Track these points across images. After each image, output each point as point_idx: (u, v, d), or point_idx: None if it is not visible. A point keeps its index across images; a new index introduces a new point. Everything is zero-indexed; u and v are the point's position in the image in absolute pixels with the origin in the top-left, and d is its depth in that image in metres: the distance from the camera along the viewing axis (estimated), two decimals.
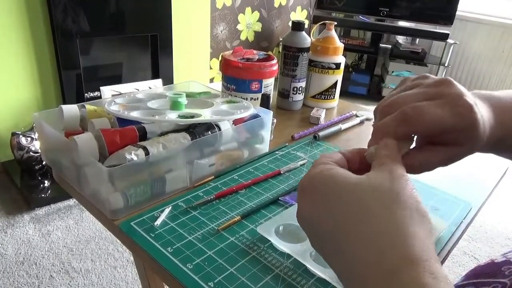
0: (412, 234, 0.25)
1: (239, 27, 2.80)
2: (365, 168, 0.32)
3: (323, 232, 0.29)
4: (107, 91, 1.78)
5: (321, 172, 0.30)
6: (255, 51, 0.89)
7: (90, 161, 0.53)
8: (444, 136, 0.33)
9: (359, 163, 0.34)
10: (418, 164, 0.34)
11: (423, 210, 0.28)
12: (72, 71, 1.75)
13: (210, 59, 2.66)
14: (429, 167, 0.35)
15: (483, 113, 0.34)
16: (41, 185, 1.69)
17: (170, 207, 0.56)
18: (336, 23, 1.01)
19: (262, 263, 0.47)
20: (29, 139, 1.66)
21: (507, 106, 0.37)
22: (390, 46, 3.10)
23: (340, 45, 0.95)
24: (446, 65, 2.83)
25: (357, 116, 0.93)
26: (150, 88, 1.87)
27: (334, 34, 0.96)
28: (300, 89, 0.95)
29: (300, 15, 3.23)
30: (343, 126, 0.86)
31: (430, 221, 0.27)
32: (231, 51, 0.87)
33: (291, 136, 0.81)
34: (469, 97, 0.32)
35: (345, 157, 0.34)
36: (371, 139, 0.34)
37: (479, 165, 0.74)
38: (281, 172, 0.67)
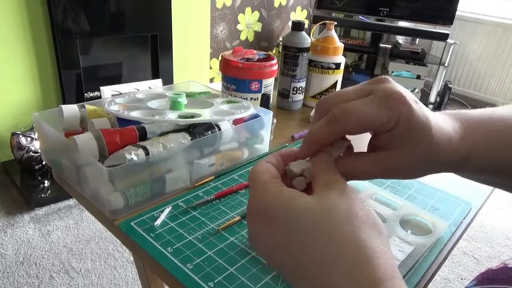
0: (375, 255, 0.25)
1: (239, 27, 2.80)
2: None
3: (283, 261, 0.28)
4: (107, 91, 1.78)
5: (272, 195, 0.29)
6: (255, 51, 0.89)
7: (90, 161, 0.53)
8: (382, 137, 0.32)
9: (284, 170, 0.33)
10: (344, 171, 0.32)
11: (379, 225, 0.28)
12: (72, 71, 1.75)
13: (210, 59, 2.66)
14: (361, 175, 0.33)
15: (439, 123, 0.32)
16: (41, 185, 1.69)
17: (170, 207, 0.56)
18: (336, 23, 1.01)
19: (262, 263, 0.47)
20: (29, 139, 1.66)
21: (476, 122, 0.34)
22: (390, 46, 3.10)
23: (340, 45, 0.95)
24: (446, 65, 2.83)
25: None
26: (150, 88, 1.87)
27: (334, 34, 0.95)
28: (300, 89, 0.95)
29: (300, 15, 3.23)
30: None
31: (385, 233, 0.28)
32: (231, 51, 0.87)
33: (291, 136, 0.81)
34: (404, 91, 0.31)
35: (275, 167, 0.32)
36: (303, 146, 0.33)
37: None
38: None
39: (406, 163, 0.32)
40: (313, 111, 0.93)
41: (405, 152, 0.31)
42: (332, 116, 0.31)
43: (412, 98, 0.31)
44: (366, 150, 0.35)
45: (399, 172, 0.33)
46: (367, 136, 0.34)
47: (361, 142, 0.37)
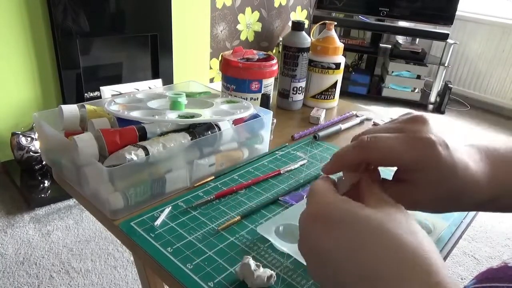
0: (435, 262, 0.26)
1: (239, 27, 2.80)
2: None
3: (339, 265, 0.28)
4: (107, 91, 1.78)
5: (338, 201, 0.30)
6: (255, 51, 0.89)
7: (90, 161, 0.53)
8: (407, 173, 0.33)
9: None
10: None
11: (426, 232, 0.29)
12: (72, 71, 1.75)
13: (210, 59, 2.66)
14: None
15: (466, 164, 0.33)
16: (41, 185, 1.69)
17: (170, 207, 0.56)
18: (336, 23, 1.01)
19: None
20: (29, 139, 1.66)
21: (502, 159, 0.35)
22: (390, 46, 3.10)
23: (340, 45, 0.95)
24: (446, 65, 2.83)
25: (357, 116, 0.93)
26: (150, 88, 1.87)
27: (334, 34, 0.95)
28: (300, 89, 0.95)
29: (300, 15, 3.23)
30: (343, 126, 0.86)
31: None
32: (231, 51, 0.87)
33: (291, 136, 0.81)
34: (436, 137, 0.32)
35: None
36: (329, 162, 0.35)
37: None
38: (281, 172, 0.67)
39: (428, 201, 0.34)
40: (313, 111, 0.93)
41: (429, 192, 0.33)
42: (362, 140, 0.33)
43: (443, 144, 0.32)
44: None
45: (421, 207, 0.35)
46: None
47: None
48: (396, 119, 0.36)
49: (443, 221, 0.56)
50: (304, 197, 0.59)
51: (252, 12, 2.83)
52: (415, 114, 0.35)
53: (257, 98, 0.85)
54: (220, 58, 0.90)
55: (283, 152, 0.74)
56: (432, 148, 0.31)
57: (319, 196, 0.31)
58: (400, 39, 3.14)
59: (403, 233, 0.27)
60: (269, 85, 0.86)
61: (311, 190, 0.33)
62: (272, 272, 0.44)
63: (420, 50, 2.91)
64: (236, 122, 0.66)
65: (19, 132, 1.65)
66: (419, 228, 0.28)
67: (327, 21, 0.97)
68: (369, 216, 0.28)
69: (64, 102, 1.78)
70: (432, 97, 2.94)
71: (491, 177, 0.34)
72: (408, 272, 0.26)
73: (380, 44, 3.11)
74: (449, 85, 2.83)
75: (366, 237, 0.27)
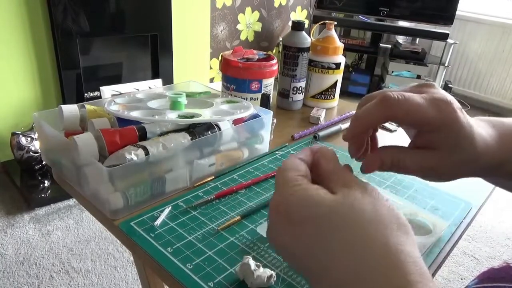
0: (406, 259, 0.25)
1: (239, 27, 2.80)
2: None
3: (303, 261, 0.27)
4: (107, 91, 1.78)
5: (297, 195, 0.28)
6: (255, 51, 0.89)
7: (90, 161, 0.53)
8: (425, 137, 0.33)
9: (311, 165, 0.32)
10: (388, 161, 0.33)
11: (404, 224, 0.27)
12: (72, 71, 1.75)
13: (210, 59, 2.66)
14: (402, 169, 0.34)
15: (479, 130, 0.34)
16: (41, 185, 1.69)
17: (170, 207, 0.56)
18: (336, 23, 1.01)
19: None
20: (29, 139, 1.66)
21: (509, 129, 0.36)
22: (390, 46, 3.10)
23: (340, 45, 0.95)
24: (446, 65, 2.83)
25: None
26: (150, 88, 1.87)
27: (334, 34, 0.95)
28: (300, 89, 0.95)
29: (300, 15, 3.23)
30: (343, 126, 0.86)
31: (411, 230, 0.27)
32: (231, 51, 0.87)
33: (291, 136, 0.81)
34: (451, 98, 0.33)
35: (305, 163, 0.32)
36: (350, 126, 0.34)
37: None
38: None
39: (448, 164, 0.34)
40: (313, 111, 0.93)
41: (449, 155, 0.33)
42: (389, 98, 0.31)
43: (458, 106, 0.33)
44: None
45: (439, 172, 0.34)
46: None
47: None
48: (403, 88, 0.36)
49: (443, 221, 0.56)
50: None
51: (252, 12, 2.83)
52: (422, 82, 0.35)
53: (257, 98, 0.85)
54: (220, 58, 0.90)
55: (283, 152, 0.74)
56: (450, 108, 0.32)
57: (282, 186, 0.29)
58: (400, 39, 3.14)
59: (365, 227, 0.26)
60: (269, 85, 0.86)
61: (276, 176, 0.31)
62: (272, 272, 0.44)
63: (420, 50, 2.91)
64: (236, 122, 0.66)
65: (19, 132, 1.65)
66: (385, 214, 0.27)
67: (327, 21, 0.97)
68: (331, 210, 0.27)
69: (64, 102, 1.78)
70: None
71: (499, 141, 0.35)
72: (368, 273, 0.25)
73: (380, 44, 3.10)
74: (449, 85, 2.83)
75: (326, 234, 0.26)
